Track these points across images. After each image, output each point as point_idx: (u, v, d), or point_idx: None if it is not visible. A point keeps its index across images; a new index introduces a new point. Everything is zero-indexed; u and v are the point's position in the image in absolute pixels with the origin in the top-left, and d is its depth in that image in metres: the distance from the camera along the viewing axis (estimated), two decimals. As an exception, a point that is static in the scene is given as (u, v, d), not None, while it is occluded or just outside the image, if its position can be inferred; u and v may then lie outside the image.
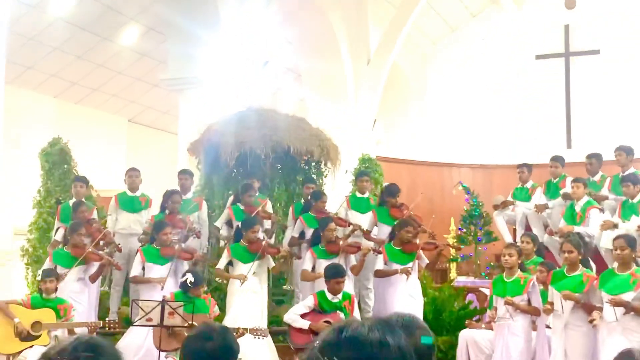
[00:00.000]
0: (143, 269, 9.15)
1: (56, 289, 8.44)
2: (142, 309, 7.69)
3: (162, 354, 7.69)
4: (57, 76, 15.75)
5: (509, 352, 8.08)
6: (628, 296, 7.17)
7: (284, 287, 10.69)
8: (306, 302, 8.51)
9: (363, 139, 14.78)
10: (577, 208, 10.23)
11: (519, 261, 8.51)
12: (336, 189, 11.57)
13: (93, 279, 9.17)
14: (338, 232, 9.62)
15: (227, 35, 11.71)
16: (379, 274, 9.33)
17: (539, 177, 11.66)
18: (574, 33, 16.73)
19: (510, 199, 11.61)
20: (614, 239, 7.81)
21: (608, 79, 16.20)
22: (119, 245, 9.65)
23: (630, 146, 10.91)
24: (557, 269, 8.15)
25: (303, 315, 8.33)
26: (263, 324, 8.66)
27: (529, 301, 8.15)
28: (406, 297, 9.04)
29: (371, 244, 9.76)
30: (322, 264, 9.03)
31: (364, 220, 10.26)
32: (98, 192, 11.25)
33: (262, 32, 12.23)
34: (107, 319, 9.03)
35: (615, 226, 9.61)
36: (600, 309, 7.37)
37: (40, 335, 7.94)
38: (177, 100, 12.81)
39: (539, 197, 11.24)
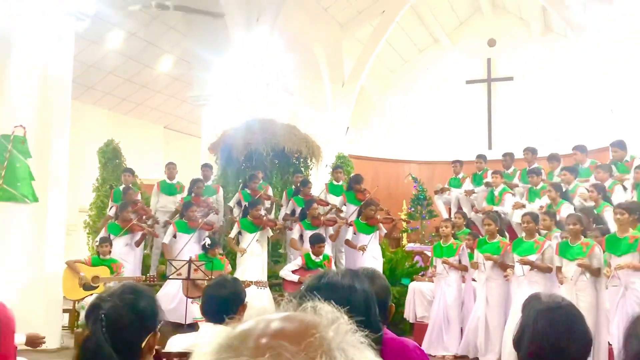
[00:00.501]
0: (175, 236, 9.12)
1: (110, 252, 8.40)
2: (174, 266, 7.67)
3: (189, 300, 7.68)
4: (111, 94, 15.63)
5: (445, 299, 8.13)
6: (533, 257, 7.22)
7: (280, 250, 10.68)
8: (296, 262, 8.53)
9: (339, 142, 14.77)
10: (496, 193, 10.28)
11: (453, 232, 8.55)
12: (318, 179, 11.57)
13: (137, 244, 9.13)
14: (319, 210, 9.63)
15: (238, 63, 11.68)
16: (348, 244, 9.37)
17: (468, 170, 11.70)
18: (494, 64, 16.76)
19: (446, 186, 11.65)
20: (522, 216, 7.84)
21: (519, 98, 16.26)
22: (157, 219, 9.63)
23: (535, 147, 10.97)
24: (481, 237, 8.19)
25: (294, 271, 8.36)
26: (264, 278, 8.67)
27: (459, 261, 8.20)
28: (370, 258, 9.06)
29: (343, 220, 9.78)
30: (308, 234, 9.05)
31: (338, 201, 10.27)
32: (141, 180, 11.20)
33: (265, 61, 12.17)
34: (148, 274, 9.00)
35: (523, 206, 9.65)
36: (512, 267, 7.42)
37: (98, 286, 7.92)
38: (200, 112, 12.77)
39: (467, 184, 11.29)
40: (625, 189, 9.02)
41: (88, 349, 1.90)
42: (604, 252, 6.74)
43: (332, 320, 0.79)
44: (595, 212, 8.33)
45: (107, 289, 2.11)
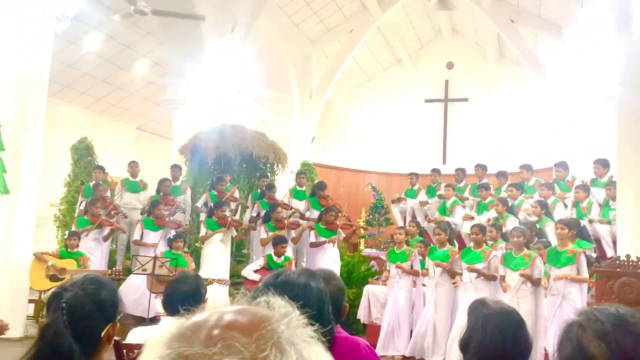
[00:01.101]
0: (142, 234, 8.96)
1: (77, 246, 8.20)
2: (139, 262, 7.52)
3: (153, 295, 7.53)
4: (86, 94, 15.29)
5: (397, 302, 8.15)
6: (479, 266, 7.31)
7: (243, 250, 10.59)
8: (258, 262, 8.45)
9: (304, 150, 14.76)
10: (447, 204, 10.40)
11: (406, 239, 8.60)
12: (284, 184, 11.53)
13: (105, 239, 8.95)
14: (283, 213, 9.58)
15: (211, 70, 11.58)
16: (313, 244, 9.32)
17: (423, 182, 11.81)
18: (451, 86, 17.02)
19: (403, 196, 11.73)
20: (471, 227, 7.94)
21: (472, 118, 16.54)
22: (125, 214, 9.46)
23: (485, 164, 11.15)
24: (432, 245, 8.26)
25: (256, 271, 8.27)
26: (226, 276, 8.57)
27: (411, 266, 8.24)
28: (329, 261, 9.04)
29: (306, 223, 9.75)
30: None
31: (301, 206, 10.24)
32: (112, 178, 10.99)
33: (237, 69, 12.09)
34: (114, 268, 8.83)
35: (472, 218, 9.80)
36: (460, 274, 7.49)
37: (64, 278, 7.69)
38: (172, 115, 12.60)
39: (422, 196, 11.40)
40: (565, 206, 9.24)
41: (47, 337, 1.83)
42: (544, 263, 6.87)
43: (284, 315, 0.77)
44: (538, 226, 8.49)
45: (70, 279, 2.04)
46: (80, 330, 1.86)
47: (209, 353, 0.69)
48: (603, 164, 9.15)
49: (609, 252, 8.22)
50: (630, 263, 4.53)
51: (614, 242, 8.03)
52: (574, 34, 10.85)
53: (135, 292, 8.11)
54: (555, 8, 11.27)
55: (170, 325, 0.77)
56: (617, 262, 4.62)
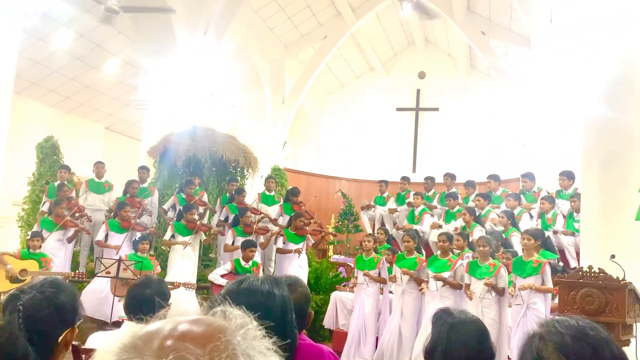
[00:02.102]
0: (106, 236, 8.80)
1: (40, 247, 8.00)
2: (103, 264, 7.38)
3: (116, 298, 7.39)
4: (54, 91, 14.98)
5: (364, 308, 8.15)
6: (446, 274, 7.37)
7: (210, 255, 10.47)
8: (225, 266, 8.36)
9: (275, 155, 14.71)
10: (416, 212, 10.47)
11: (374, 246, 8.62)
12: (254, 188, 11.45)
13: (69, 240, 8.75)
14: (252, 218, 9.52)
15: (183, 71, 11.47)
16: (279, 251, 9.28)
17: (392, 190, 11.88)
18: (423, 95, 17.19)
19: (372, 203, 11.78)
20: (438, 235, 8.00)
21: (443, 128, 16.72)
22: (90, 217, 9.27)
23: (454, 173, 11.26)
24: (400, 252, 8.29)
25: (223, 276, 8.19)
26: (193, 280, 8.46)
27: (379, 274, 8.25)
28: (297, 267, 9.02)
29: (276, 229, 9.70)
30: (240, 240, 8.92)
31: (270, 210, 10.19)
32: (79, 178, 10.77)
33: (210, 71, 12.00)
34: (77, 270, 8.63)
35: (440, 227, 9.88)
36: (427, 282, 7.54)
37: (25, 280, 7.50)
38: (142, 115, 12.43)
39: (391, 203, 11.46)
40: (531, 217, 9.39)
41: (1, 340, 1.77)
42: (510, 273, 6.96)
43: (240, 325, 0.75)
44: (504, 236, 8.60)
45: (28, 282, 1.98)
46: (37, 333, 1.80)
47: (160, 364, 0.67)
48: (568, 176, 9.34)
49: (572, 263, 8.38)
50: (593, 274, 4.62)
51: (577, 253, 8.19)
52: (544, 48, 11.06)
53: (99, 295, 7.94)
54: (526, 21, 11.49)
55: (122, 334, 0.74)
56: (580, 273, 4.70)
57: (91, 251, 9.49)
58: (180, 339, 0.70)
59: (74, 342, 2.04)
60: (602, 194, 6.19)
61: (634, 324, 4.52)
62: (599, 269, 4.66)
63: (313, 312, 2.53)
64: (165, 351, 0.68)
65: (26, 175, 10.72)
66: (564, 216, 8.99)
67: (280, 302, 1.71)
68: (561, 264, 7.87)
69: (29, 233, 8.45)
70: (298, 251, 9.00)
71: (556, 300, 5.95)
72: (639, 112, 5.93)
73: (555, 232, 8.78)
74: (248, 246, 8.23)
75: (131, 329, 0.75)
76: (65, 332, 1.89)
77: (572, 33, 8.35)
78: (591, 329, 1.35)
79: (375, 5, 14.36)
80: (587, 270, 4.67)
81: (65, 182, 9.56)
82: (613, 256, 4.67)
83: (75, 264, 9.23)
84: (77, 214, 9.04)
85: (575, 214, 8.65)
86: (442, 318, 2.39)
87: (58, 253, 8.54)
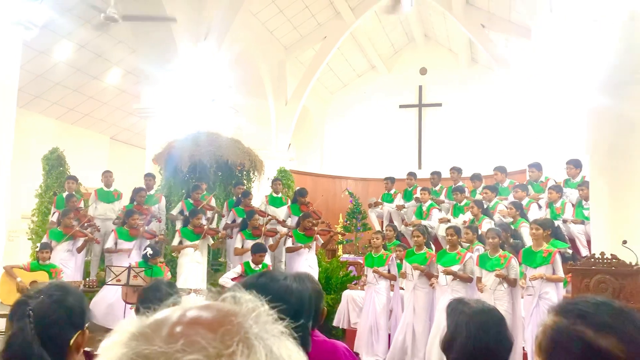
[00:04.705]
0: (116, 244, 8.81)
1: (49, 258, 8.01)
2: (113, 272, 7.38)
3: (128, 305, 7.38)
4: (58, 104, 15.04)
5: (375, 306, 8.12)
6: (455, 268, 7.33)
7: (220, 259, 10.47)
8: (236, 270, 8.34)
9: (281, 157, 14.71)
10: (424, 208, 10.44)
11: (383, 243, 8.58)
12: (260, 191, 11.44)
13: (79, 250, 8.77)
14: (260, 221, 9.49)
15: (185, 78, 11.47)
16: (289, 249, 9.26)
17: (399, 186, 11.84)
18: (425, 91, 17.15)
19: (379, 200, 11.74)
20: (446, 229, 7.95)
21: (446, 122, 16.68)
22: (98, 227, 9.28)
23: (460, 167, 11.21)
24: (409, 248, 8.26)
25: (233, 279, 8.16)
26: (203, 285, 8.46)
27: (389, 270, 8.22)
28: (306, 267, 8.99)
29: (285, 230, 9.69)
30: (249, 243, 8.91)
31: (278, 212, 10.17)
32: (85, 188, 10.79)
33: (212, 77, 12.00)
34: (87, 279, 8.64)
35: (449, 221, 9.83)
36: (437, 277, 7.50)
37: (36, 291, 7.49)
38: (146, 124, 12.44)
39: (398, 200, 11.42)
40: (540, 207, 9.32)
41: (15, 346, 1.75)
42: (520, 264, 6.91)
43: (251, 309, 0.73)
44: (513, 227, 8.55)
45: (34, 287, 1.97)
46: (48, 337, 1.79)
47: (170, 351, 0.64)
48: (575, 165, 9.27)
49: (583, 252, 8.31)
50: (605, 260, 4.57)
51: (588, 242, 8.12)
52: (544, 38, 11.00)
53: (107, 302, 7.96)
54: (525, 12, 11.43)
55: (130, 323, 0.71)
56: (592, 260, 4.65)
57: (102, 260, 9.50)
58: (190, 325, 0.68)
59: (86, 349, 2.02)
60: (609, 180, 6.14)
61: (650, 309, 4.48)
62: (611, 255, 4.62)
63: (326, 309, 2.50)
64: (175, 337, 0.66)
65: (33, 188, 10.75)
66: (572, 205, 8.93)
67: (297, 299, 1.66)
68: (570, 251, 7.81)
69: (38, 245, 8.46)
70: (308, 246, 9.00)
71: (569, 288, 5.91)
72: (642, 97, 5.88)
73: (564, 221, 8.71)
74: (258, 251, 8.21)
75: (139, 319, 0.72)
76: (76, 334, 1.88)
77: (573, 21, 8.30)
78: (612, 302, 1.33)
79: (373, 4, 14.33)
80: (600, 256, 4.62)
81: (74, 193, 9.58)
82: (625, 242, 4.62)
83: (86, 274, 9.24)
84: (85, 224, 9.05)
85: (584, 202, 8.59)
86: (459, 308, 2.34)
87: (68, 263, 8.55)
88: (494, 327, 2.23)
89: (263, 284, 1.69)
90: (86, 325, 1.92)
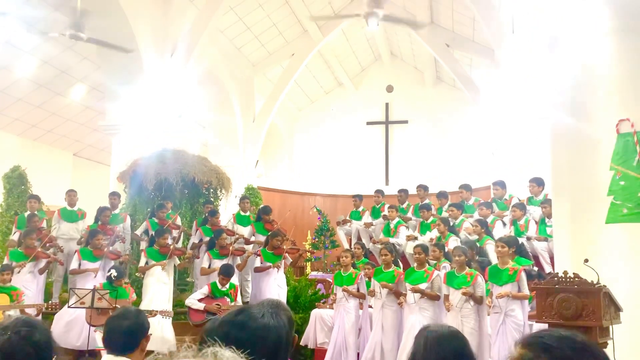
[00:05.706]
0: (79, 265, 8.62)
1: (10, 280, 7.78)
2: (77, 295, 7.21)
3: (92, 328, 7.22)
4: (20, 120, 14.71)
5: (344, 325, 8.13)
6: (423, 286, 7.39)
7: (187, 279, 10.32)
8: (202, 290, 8.25)
9: (248, 174, 14.65)
10: (392, 225, 10.50)
11: (352, 261, 8.61)
12: (228, 209, 11.36)
13: (41, 271, 8.54)
14: (227, 240, 9.42)
15: (151, 94, 11.37)
16: (258, 269, 9.19)
17: (367, 203, 11.91)
18: (392, 108, 17.37)
19: (348, 218, 11.79)
20: (414, 247, 8.02)
21: (413, 140, 16.90)
22: (61, 247, 9.07)
23: (426, 184, 11.35)
24: (378, 266, 8.29)
25: (200, 300, 8.08)
26: (169, 306, 8.33)
27: (358, 289, 8.24)
28: (275, 287, 8.95)
29: (251, 249, 9.63)
30: (216, 263, 8.84)
31: (246, 231, 10.11)
32: (48, 207, 10.54)
33: (178, 93, 11.92)
34: (49, 301, 8.42)
35: (416, 238, 9.92)
36: (405, 295, 7.55)
37: (-4, 314, 7.27)
38: (111, 141, 12.27)
39: (367, 217, 11.48)
40: (504, 224, 9.49)
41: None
42: (486, 282, 7.01)
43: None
44: (478, 244, 8.68)
45: (1, 323, 1.94)
46: None
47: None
48: (538, 183, 9.49)
49: (547, 268, 8.48)
50: (568, 279, 4.68)
51: (552, 258, 8.30)
52: (507, 58, 11.29)
53: (66, 321, 7.81)
54: (488, 33, 11.72)
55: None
56: (556, 278, 4.76)
57: (65, 282, 9.28)
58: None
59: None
60: (572, 198, 6.29)
61: (610, 327, 4.59)
62: (573, 273, 4.73)
63: (296, 335, 2.50)
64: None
65: (-7, 208, 10.46)
66: (536, 222, 9.12)
67: (275, 337, 1.65)
68: (536, 269, 7.96)
69: (-1, 266, 8.21)
70: (277, 265, 8.95)
71: (534, 305, 6.02)
72: (602, 116, 6.07)
73: (528, 239, 8.89)
74: (225, 274, 8.17)
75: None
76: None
77: (534, 42, 8.56)
78: (576, 335, 1.38)
79: (340, 23, 14.50)
80: (563, 275, 4.73)
81: (36, 212, 9.34)
82: (586, 260, 4.75)
83: (47, 295, 9.00)
84: (47, 245, 8.84)
85: (547, 220, 8.78)
86: (421, 333, 2.46)
87: (30, 285, 8.33)
88: (453, 350, 2.33)
89: (241, 323, 1.67)
90: (54, 358, 1.91)
